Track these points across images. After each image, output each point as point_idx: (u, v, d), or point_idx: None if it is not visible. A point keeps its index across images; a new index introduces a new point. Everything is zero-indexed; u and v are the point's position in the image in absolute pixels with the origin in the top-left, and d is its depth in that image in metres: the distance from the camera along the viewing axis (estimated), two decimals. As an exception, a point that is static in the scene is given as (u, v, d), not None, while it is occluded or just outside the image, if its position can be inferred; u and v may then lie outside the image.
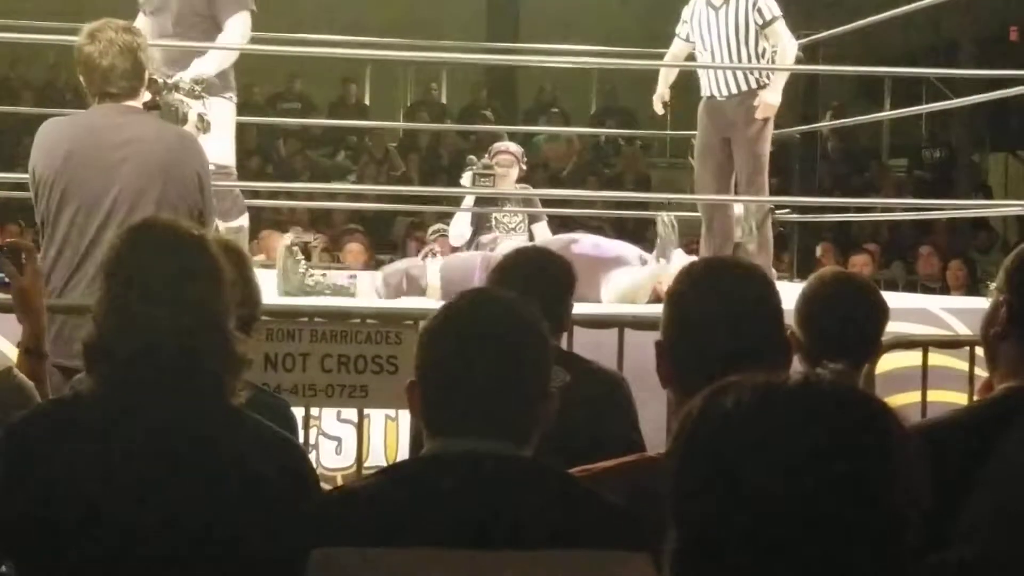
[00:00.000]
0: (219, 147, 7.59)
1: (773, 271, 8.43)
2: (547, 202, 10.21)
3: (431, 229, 10.39)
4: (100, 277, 2.88)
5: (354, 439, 5.47)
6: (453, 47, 12.28)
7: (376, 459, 5.78)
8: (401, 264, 8.31)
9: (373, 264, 9.95)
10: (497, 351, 2.55)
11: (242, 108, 15.68)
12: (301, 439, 4.25)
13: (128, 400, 2.75)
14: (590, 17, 18.18)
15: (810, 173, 13.33)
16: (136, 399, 2.74)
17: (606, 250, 7.76)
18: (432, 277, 7.81)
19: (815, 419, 1.53)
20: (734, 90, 8.41)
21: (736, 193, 8.52)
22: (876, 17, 9.02)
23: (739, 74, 8.36)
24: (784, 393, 1.55)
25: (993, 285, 2.85)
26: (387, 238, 14.75)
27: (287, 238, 7.95)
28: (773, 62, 8.38)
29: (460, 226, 9.21)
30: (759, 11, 8.30)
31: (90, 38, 5.41)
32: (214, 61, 7.58)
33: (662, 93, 8.94)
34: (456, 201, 9.96)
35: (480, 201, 9.22)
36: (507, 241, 8.81)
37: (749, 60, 8.39)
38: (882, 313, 4.25)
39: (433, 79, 19.46)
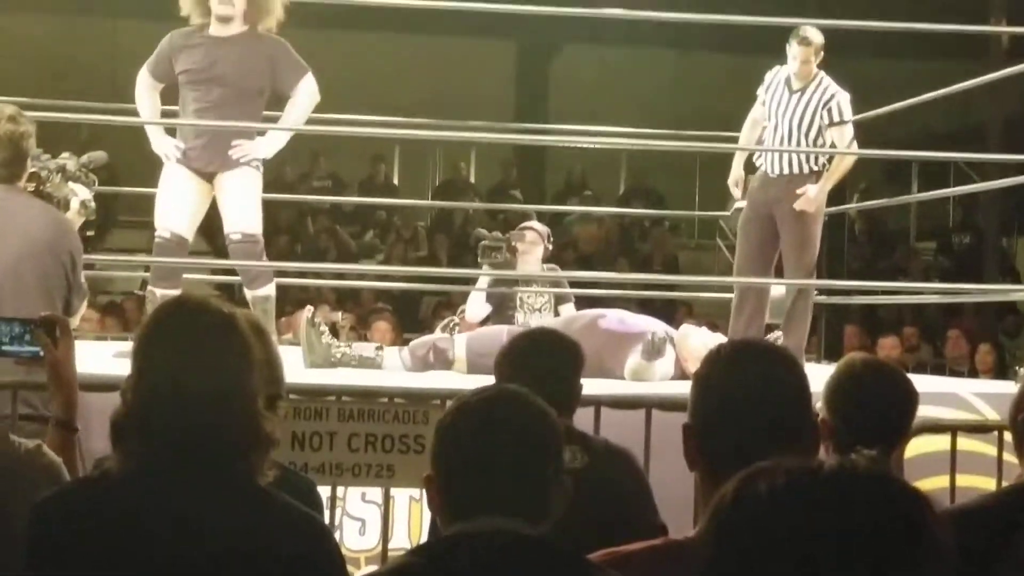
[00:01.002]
0: (248, 216, 7.66)
1: (803, 356, 8.38)
2: (577, 283, 10.21)
3: (460, 310, 10.39)
4: (131, 354, 2.89)
5: (378, 520, 5.47)
6: (482, 126, 12.31)
7: (400, 540, 5.76)
8: (428, 337, 8.29)
9: (401, 343, 9.95)
10: (510, 442, 2.64)
11: (272, 186, 15.76)
12: (327, 519, 4.25)
13: (155, 481, 2.74)
14: (619, 97, 18.24)
15: (838, 255, 13.33)
16: (163, 480, 2.74)
17: (632, 326, 7.75)
18: (459, 350, 7.80)
19: (851, 506, 1.52)
20: (786, 171, 8.46)
21: (779, 273, 8.48)
22: (905, 102, 9.03)
23: (794, 156, 8.40)
24: (819, 479, 1.55)
25: (1022, 370, 2.84)
26: (415, 317, 14.75)
27: (308, 311, 7.96)
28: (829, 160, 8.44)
29: (475, 305, 9.17)
30: (829, 110, 8.38)
31: None
32: (282, 138, 7.72)
33: (737, 176, 8.88)
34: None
35: (499, 280, 9.16)
36: (548, 318, 8.81)
37: (806, 147, 8.44)
38: (912, 400, 4.24)
39: (462, 158, 19.51)
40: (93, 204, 6.38)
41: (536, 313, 9.12)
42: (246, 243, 7.68)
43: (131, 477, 2.77)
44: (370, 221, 18.50)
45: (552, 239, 9.65)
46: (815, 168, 8.44)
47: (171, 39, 7.75)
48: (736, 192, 8.91)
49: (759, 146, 8.56)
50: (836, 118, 8.37)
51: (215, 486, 2.75)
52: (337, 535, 5.27)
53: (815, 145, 8.43)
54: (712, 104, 16.32)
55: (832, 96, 8.39)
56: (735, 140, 9.32)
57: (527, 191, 18.80)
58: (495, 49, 20.06)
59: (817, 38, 8.33)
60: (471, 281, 9.57)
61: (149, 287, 7.82)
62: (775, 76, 8.57)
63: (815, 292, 8.81)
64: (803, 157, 8.43)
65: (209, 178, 7.67)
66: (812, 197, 8.40)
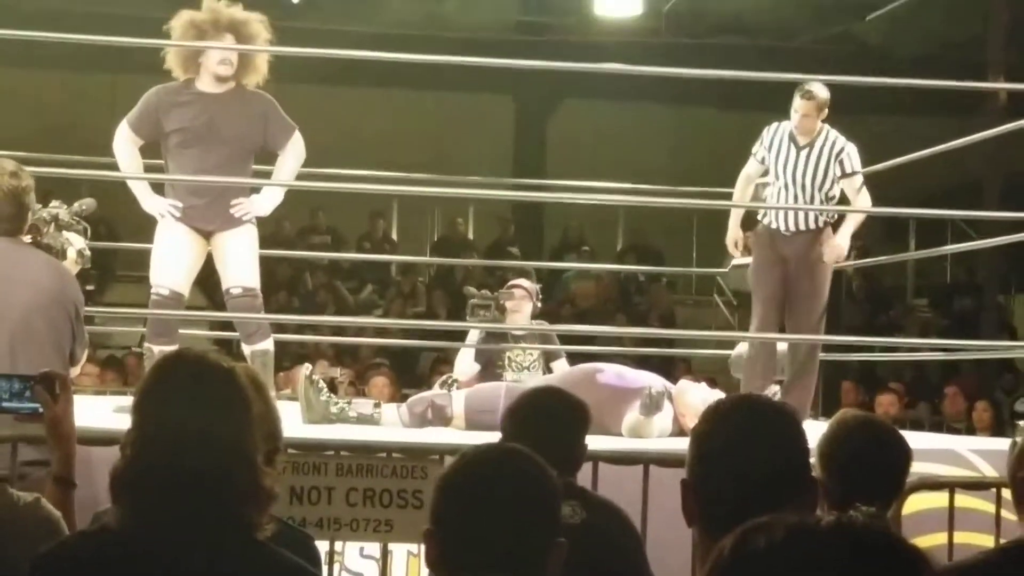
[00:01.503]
0: (249, 271, 7.69)
1: (808, 410, 8.36)
2: (574, 339, 10.21)
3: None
4: (131, 408, 2.90)
5: (376, 574, 5.46)
6: (480, 183, 12.34)
7: (398, 594, 5.76)
8: (426, 394, 8.30)
9: (399, 398, 9.95)
10: (509, 500, 2.67)
11: (271, 241, 15.73)
12: (325, 574, 4.25)
13: (154, 535, 2.75)
14: (617, 153, 18.30)
15: (835, 312, 13.34)
16: (162, 534, 2.74)
17: (630, 381, 7.75)
18: (457, 406, 7.80)
19: (849, 563, 1.52)
20: (801, 227, 8.43)
21: (788, 326, 8.47)
22: (903, 159, 9.06)
23: (809, 212, 8.38)
24: (818, 535, 1.55)
25: (1021, 426, 2.85)
26: (413, 373, 14.75)
27: (306, 367, 7.98)
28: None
29: (464, 363, 9.16)
30: (841, 163, 8.34)
31: None
32: (279, 194, 7.74)
33: (735, 236, 8.79)
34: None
35: (490, 336, 9.17)
36: (538, 376, 8.81)
37: (820, 203, 8.41)
38: (905, 457, 4.25)
39: (460, 214, 19.56)
40: (88, 252, 6.43)
41: (525, 371, 9.11)
42: (247, 297, 7.70)
43: (130, 531, 2.77)
44: (369, 277, 18.53)
45: (541, 296, 9.63)
46: (829, 221, 8.46)
47: (157, 96, 7.71)
48: (735, 252, 8.88)
49: (761, 203, 8.52)
50: (848, 169, 8.34)
51: (214, 540, 2.75)
52: (335, 590, 5.27)
53: (829, 194, 8.40)
54: (709, 161, 16.37)
55: (843, 148, 8.36)
56: (732, 197, 9.34)
57: (525, 247, 18.84)
58: (493, 105, 20.14)
59: (822, 93, 8.30)
60: (467, 336, 9.56)
61: (146, 344, 7.82)
62: (775, 133, 8.52)
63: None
64: (823, 216, 8.41)
65: (207, 235, 7.69)
66: (838, 244, 8.44)
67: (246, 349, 7.77)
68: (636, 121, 19.75)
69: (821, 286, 8.49)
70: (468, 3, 19.07)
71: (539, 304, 9.47)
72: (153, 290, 7.69)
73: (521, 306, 9.24)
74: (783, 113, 8.43)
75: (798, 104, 8.34)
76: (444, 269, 18.49)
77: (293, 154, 7.82)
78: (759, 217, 8.59)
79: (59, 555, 2.86)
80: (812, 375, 8.55)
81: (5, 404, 3.88)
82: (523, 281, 9.62)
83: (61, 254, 6.18)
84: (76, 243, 6.34)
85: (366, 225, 18.88)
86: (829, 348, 10.33)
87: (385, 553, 5.29)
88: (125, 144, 7.65)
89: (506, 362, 9.18)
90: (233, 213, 7.63)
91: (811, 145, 8.37)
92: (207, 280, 9.16)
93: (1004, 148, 13.52)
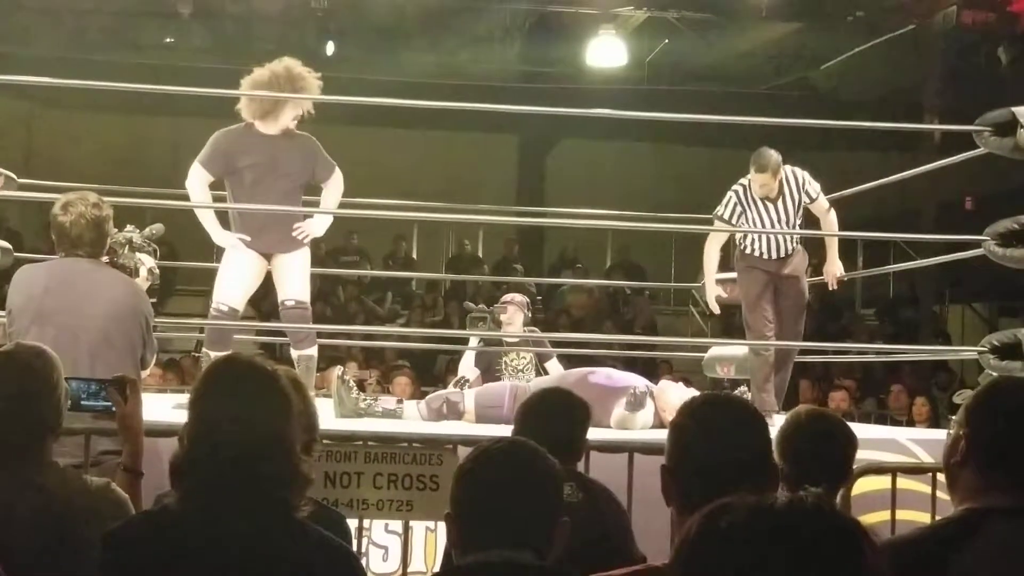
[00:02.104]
0: (303, 288, 7.72)
1: (782, 399, 8.32)
2: (569, 344, 10.20)
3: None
4: (188, 405, 2.91)
5: (398, 548, 5.45)
6: (488, 209, 12.34)
7: (417, 565, 5.75)
8: (442, 392, 8.30)
9: (419, 396, 9.95)
10: (519, 486, 2.71)
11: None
12: (354, 547, 4.24)
13: (207, 514, 2.76)
14: (607, 184, 18.30)
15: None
16: (214, 513, 2.75)
17: (618, 380, 7.74)
18: (468, 403, 7.80)
19: (799, 536, 1.53)
20: (782, 253, 8.33)
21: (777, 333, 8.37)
22: (851, 190, 9.06)
23: (786, 240, 8.30)
24: (772, 513, 1.56)
25: (954, 419, 2.85)
26: (431, 373, 14.74)
27: (338, 369, 7.98)
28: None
29: (465, 367, 9.21)
30: (807, 192, 8.24)
31: (63, 209, 5.69)
32: (329, 218, 7.77)
33: (716, 294, 8.61)
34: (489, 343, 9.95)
35: (487, 344, 9.22)
36: (520, 379, 8.82)
37: (796, 228, 8.36)
38: (851, 444, 4.26)
39: (471, 236, 19.56)
40: (157, 271, 6.45)
41: (520, 374, 9.13)
42: (300, 309, 7.72)
43: (187, 511, 2.78)
44: (392, 290, 18.52)
45: (531, 307, 9.66)
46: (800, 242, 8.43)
47: (227, 137, 7.66)
48: (717, 309, 8.75)
49: (739, 228, 8.46)
50: (813, 194, 8.25)
51: (259, 519, 2.75)
52: (364, 561, 5.26)
53: (800, 218, 8.35)
54: (686, 190, 16.39)
55: (803, 179, 8.26)
56: (707, 222, 9.31)
57: (527, 264, 18.85)
58: (500, 143, 20.15)
59: (772, 159, 8.14)
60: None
61: (204, 349, 7.83)
62: (743, 198, 8.31)
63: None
64: (795, 239, 8.35)
65: (268, 257, 7.70)
66: (834, 269, 8.56)
67: (294, 354, 7.79)
68: (622, 156, 19.74)
69: (804, 300, 8.48)
70: (478, 55, 19.09)
71: (530, 314, 9.49)
72: (214, 304, 7.67)
73: (514, 318, 9.29)
74: (747, 149, 8.38)
75: (756, 179, 8.19)
76: (458, 284, 18.49)
77: (336, 187, 7.84)
78: (743, 248, 8.42)
79: (126, 532, 2.87)
80: (789, 370, 8.52)
81: (83, 403, 3.90)
82: (515, 296, 9.62)
83: (134, 272, 6.21)
84: (147, 262, 6.36)
85: (390, 246, 18.88)
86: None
87: (406, 529, 5.29)
88: (199, 182, 7.59)
89: (503, 366, 9.21)
90: (296, 236, 7.65)
91: (781, 194, 8.23)
92: (255, 294, 9.15)
93: (938, 180, 13.50)
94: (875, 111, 10.87)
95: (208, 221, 7.63)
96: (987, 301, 19.48)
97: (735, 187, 8.37)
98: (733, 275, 8.63)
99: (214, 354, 7.43)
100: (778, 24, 17.50)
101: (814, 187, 8.29)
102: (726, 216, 8.38)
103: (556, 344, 9.41)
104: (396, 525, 5.55)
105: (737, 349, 9.02)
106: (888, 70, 17.64)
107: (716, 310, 8.80)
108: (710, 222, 8.90)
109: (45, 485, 3.37)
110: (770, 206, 8.26)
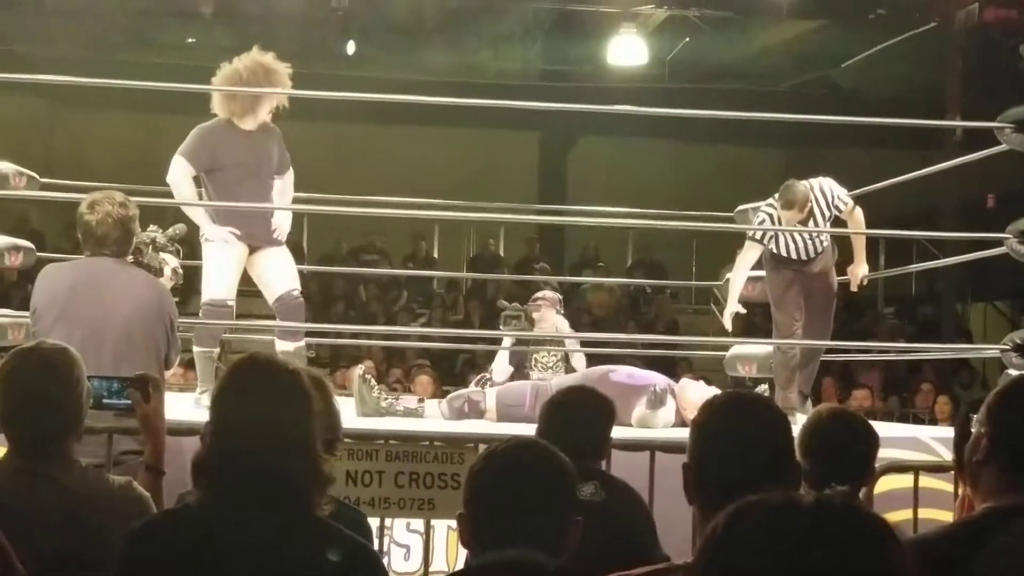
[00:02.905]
0: (296, 277, 7.73)
1: (801, 404, 8.25)
2: (591, 343, 10.18)
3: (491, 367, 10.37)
4: (210, 405, 2.92)
5: (420, 547, 5.46)
6: (509, 208, 12.34)
7: (439, 564, 5.75)
8: (463, 391, 8.29)
9: (440, 394, 9.96)
10: (530, 485, 2.72)
11: (329, 259, 15.67)
12: (376, 546, 4.25)
13: (229, 512, 2.76)
14: (627, 182, 18.28)
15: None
16: (236, 511, 2.75)
17: (639, 379, 7.73)
18: (490, 401, 7.80)
19: (826, 534, 1.52)
20: (812, 254, 8.23)
21: (806, 331, 8.29)
22: (872, 187, 9.03)
23: (815, 240, 8.18)
24: (798, 511, 1.55)
25: (976, 418, 2.84)
26: (452, 372, 14.76)
27: (360, 368, 7.96)
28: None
29: (501, 364, 9.22)
30: (837, 207, 8.12)
31: (90, 208, 5.67)
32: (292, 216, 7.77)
33: (733, 311, 8.47)
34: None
35: (519, 342, 9.23)
36: (560, 375, 8.81)
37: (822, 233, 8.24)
38: (873, 443, 4.26)
39: (492, 235, 19.56)
40: (181, 271, 6.44)
41: (548, 371, 9.13)
42: (300, 299, 7.73)
43: (208, 509, 2.79)
44: (412, 290, 18.54)
45: (563, 303, 9.65)
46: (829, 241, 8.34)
47: (212, 132, 7.57)
48: (730, 326, 8.60)
49: (756, 226, 8.41)
50: (844, 207, 8.14)
51: (280, 517, 2.76)
52: (385, 560, 5.26)
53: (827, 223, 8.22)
54: (706, 187, 16.39)
55: (832, 195, 8.11)
56: (728, 220, 9.30)
57: (548, 263, 18.84)
58: (521, 140, 20.14)
59: (799, 197, 7.99)
60: (498, 341, 9.59)
61: (203, 348, 7.72)
62: (774, 220, 8.15)
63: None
64: (824, 237, 8.23)
65: (252, 251, 7.65)
66: (860, 271, 8.44)
67: (288, 347, 7.64)
68: (643, 154, 19.73)
69: (832, 295, 8.42)
70: (499, 54, 19.11)
71: (561, 311, 9.48)
72: (219, 301, 7.56)
73: (546, 315, 9.28)
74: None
75: (783, 215, 8.05)
76: (478, 283, 18.50)
77: (291, 181, 7.83)
78: (771, 248, 8.30)
79: (148, 530, 2.88)
80: (815, 365, 8.50)
81: (105, 401, 3.91)
82: (547, 292, 9.62)
83: (159, 272, 6.20)
84: (171, 262, 6.35)
85: (411, 245, 18.90)
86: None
87: (428, 528, 5.29)
88: (185, 176, 7.47)
89: (533, 363, 9.21)
90: (276, 236, 7.64)
91: (811, 214, 8.10)
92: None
93: (960, 177, 13.47)
94: (897, 109, 10.82)
95: (199, 215, 7.55)
96: (1009, 299, 19.43)
97: (767, 209, 8.24)
98: (759, 273, 8.61)
99: (217, 351, 7.52)
100: (799, 22, 17.48)
101: (844, 199, 8.17)
102: (758, 237, 8.26)
103: (529, 339, 9.38)
104: (418, 524, 5.56)
105: (758, 348, 9.01)
106: (910, 68, 17.61)
107: (729, 328, 8.67)
108: (731, 220, 8.89)
109: (66, 482, 3.38)
110: (800, 224, 8.16)
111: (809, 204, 8.07)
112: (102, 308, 5.54)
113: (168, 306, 5.75)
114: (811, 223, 8.15)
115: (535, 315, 9.21)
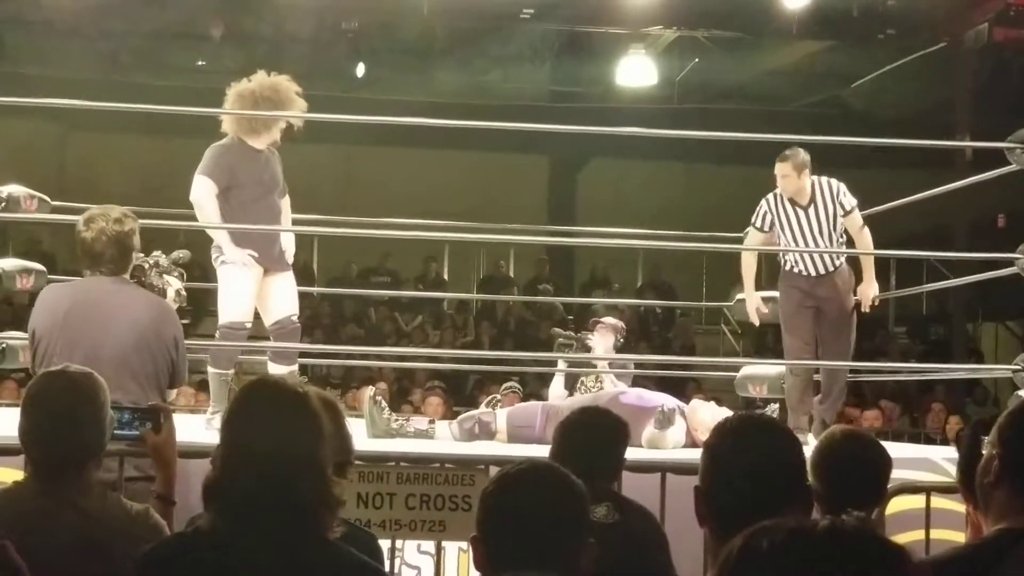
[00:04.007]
0: (296, 303, 7.70)
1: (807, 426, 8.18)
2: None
3: (504, 386, 10.37)
4: (221, 428, 2.91)
5: (431, 568, 5.45)
6: (519, 229, 12.35)
7: (450, 586, 5.75)
8: (474, 412, 8.28)
9: (451, 416, 9.95)
10: (542, 509, 2.71)
11: (340, 281, 15.68)
12: (387, 568, 4.24)
13: (240, 536, 2.75)
14: (635, 204, 18.30)
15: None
16: (246, 535, 2.75)
17: (648, 400, 7.72)
18: (500, 422, 7.79)
19: (841, 561, 1.52)
20: (822, 271, 8.17)
21: (824, 358, 8.22)
22: (882, 207, 9.02)
23: (827, 257, 8.14)
24: (813, 537, 1.55)
25: (987, 440, 2.83)
26: (463, 393, 14.76)
27: (371, 389, 7.95)
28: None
29: (557, 389, 9.17)
30: (841, 204, 8.10)
31: (85, 225, 5.55)
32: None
33: (756, 303, 8.47)
34: (521, 363, 9.96)
35: (571, 366, 9.14)
36: (575, 396, 8.76)
37: (835, 245, 8.18)
38: (885, 465, 4.25)
39: (502, 257, 19.57)
40: (184, 293, 6.41)
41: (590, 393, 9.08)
42: (297, 324, 7.72)
43: (219, 533, 2.78)
44: (423, 311, 18.55)
45: (623, 332, 9.42)
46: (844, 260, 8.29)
47: (228, 150, 7.51)
48: (756, 319, 8.59)
49: (770, 247, 8.40)
50: (847, 206, 8.12)
51: (290, 540, 2.75)
52: (396, 582, 5.27)
53: (837, 234, 8.16)
54: (717, 209, 16.37)
55: (838, 189, 8.14)
56: (738, 240, 9.28)
57: (558, 284, 18.85)
58: (531, 163, 20.17)
59: (796, 154, 8.06)
60: (509, 362, 9.56)
61: (220, 370, 7.64)
62: (774, 203, 8.24)
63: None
64: (835, 254, 8.18)
65: (264, 273, 7.64)
66: (870, 293, 8.28)
67: (283, 370, 7.60)
68: (653, 175, 19.75)
69: (851, 322, 8.30)
70: (508, 75, 19.15)
71: (621, 339, 9.30)
72: (238, 323, 7.54)
73: (604, 339, 9.09)
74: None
75: (777, 169, 8.12)
76: (488, 304, 18.50)
77: (289, 206, 7.81)
78: (783, 265, 8.31)
79: (159, 553, 2.88)
80: (836, 400, 8.37)
81: (116, 431, 3.91)
82: (607, 319, 9.49)
83: (162, 293, 6.14)
84: (175, 284, 6.32)
85: (422, 267, 18.92)
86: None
87: (439, 550, 5.28)
88: (209, 194, 7.36)
89: (580, 387, 9.15)
90: (287, 260, 7.66)
91: (812, 201, 8.14)
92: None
93: (970, 197, 13.46)
94: (907, 129, 10.82)
95: (223, 237, 7.50)
96: (1020, 319, 19.40)
97: (767, 196, 8.32)
98: (772, 293, 8.60)
99: (231, 373, 7.50)
100: (809, 42, 17.50)
101: (849, 200, 8.16)
102: (758, 224, 8.35)
103: (584, 364, 9.33)
104: (429, 545, 5.55)
105: (769, 368, 8.99)
106: (920, 88, 17.61)
107: (756, 321, 8.69)
108: (741, 240, 8.87)
109: (85, 507, 3.38)
110: (801, 213, 8.17)
111: (810, 179, 8.10)
112: (97, 332, 5.42)
113: (170, 326, 5.61)
114: (812, 210, 8.15)
115: (589, 341, 9.09)
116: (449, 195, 18.35)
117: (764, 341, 18.04)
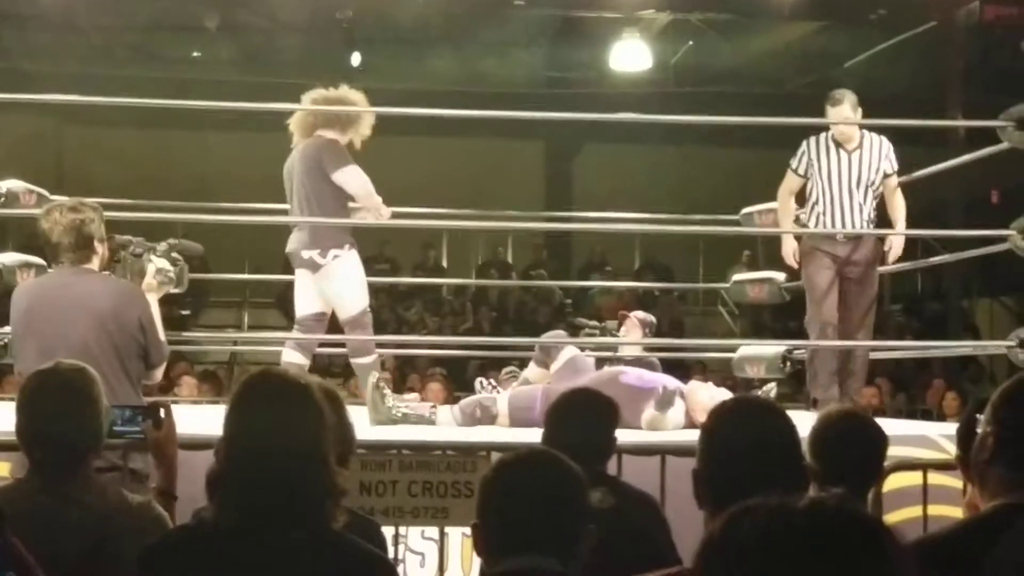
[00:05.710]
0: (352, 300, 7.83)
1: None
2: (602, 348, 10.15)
3: (504, 370, 10.36)
4: (223, 419, 2.92)
5: (435, 554, 5.47)
6: (516, 216, 12.36)
7: (454, 571, 5.76)
8: (475, 396, 8.29)
9: (452, 400, 9.96)
10: (541, 495, 2.73)
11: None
12: (391, 555, 4.26)
13: (244, 527, 2.77)
14: (632, 188, 18.28)
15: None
16: (250, 525, 2.76)
17: (648, 381, 7.71)
18: (501, 406, 7.80)
19: (819, 537, 1.53)
20: (858, 226, 7.99)
21: (845, 324, 8.04)
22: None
23: (860, 219, 7.98)
24: (792, 516, 1.56)
25: (982, 417, 2.85)
26: (463, 378, 14.76)
27: (373, 376, 7.96)
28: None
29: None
30: (890, 161, 8.01)
31: (44, 217, 5.59)
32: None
33: (792, 248, 8.19)
34: (519, 347, 9.96)
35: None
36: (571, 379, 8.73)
37: (869, 205, 8.01)
38: (881, 443, 4.26)
39: (500, 243, 19.57)
40: (172, 275, 6.09)
41: None
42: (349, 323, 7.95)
43: (223, 524, 2.80)
44: (423, 298, 18.55)
45: (653, 327, 9.27)
46: (874, 220, 8.12)
47: (351, 152, 8.18)
48: (794, 262, 8.29)
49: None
50: (892, 169, 8.03)
51: (294, 531, 2.77)
52: (400, 568, 5.28)
53: (875, 195, 8.02)
54: (714, 191, 16.36)
55: (889, 148, 8.01)
56: (734, 223, 9.28)
57: (556, 269, 18.85)
58: (527, 149, 20.15)
59: (848, 94, 7.90)
60: (508, 347, 9.56)
61: (360, 360, 7.98)
62: (818, 144, 8.05)
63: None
64: (872, 215, 8.03)
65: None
66: (900, 243, 8.22)
67: (303, 360, 7.84)
68: (648, 159, 19.71)
69: (874, 294, 8.22)
70: (503, 62, 19.12)
71: (649, 333, 9.21)
72: (367, 309, 7.95)
73: (632, 334, 9.02)
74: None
75: (832, 114, 7.93)
76: (486, 289, 18.51)
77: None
78: (814, 223, 8.14)
79: (163, 546, 2.90)
80: (859, 377, 8.28)
81: (117, 428, 3.92)
82: (637, 313, 9.39)
83: (139, 275, 5.99)
84: (160, 264, 6.06)
85: (420, 254, 18.91)
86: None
87: (442, 535, 5.30)
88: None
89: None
90: None
91: (860, 147, 8.00)
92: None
93: (964, 175, 13.47)
94: (899, 108, 10.81)
95: (372, 199, 8.23)
96: (1015, 294, 19.41)
97: (808, 139, 8.11)
98: (771, 274, 8.56)
99: (367, 360, 7.82)
100: (801, 23, 17.48)
101: (894, 161, 8.06)
102: (794, 165, 8.15)
103: (584, 348, 9.33)
104: (433, 532, 5.56)
105: (766, 349, 9.00)
106: (912, 67, 17.60)
107: (794, 264, 8.33)
108: (737, 223, 8.87)
109: (86, 501, 3.40)
110: (845, 157, 8.02)
111: (858, 111, 7.97)
112: (55, 326, 5.39)
113: (133, 308, 5.51)
114: (857, 156, 7.99)
115: (620, 333, 9.03)
116: (446, 182, 18.34)
117: (761, 321, 18.07)
